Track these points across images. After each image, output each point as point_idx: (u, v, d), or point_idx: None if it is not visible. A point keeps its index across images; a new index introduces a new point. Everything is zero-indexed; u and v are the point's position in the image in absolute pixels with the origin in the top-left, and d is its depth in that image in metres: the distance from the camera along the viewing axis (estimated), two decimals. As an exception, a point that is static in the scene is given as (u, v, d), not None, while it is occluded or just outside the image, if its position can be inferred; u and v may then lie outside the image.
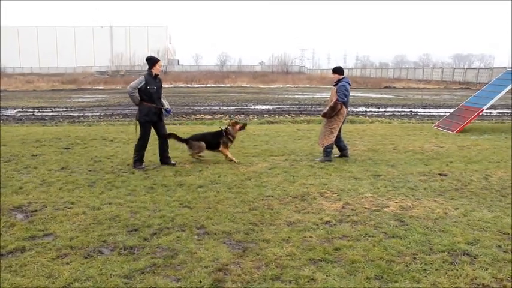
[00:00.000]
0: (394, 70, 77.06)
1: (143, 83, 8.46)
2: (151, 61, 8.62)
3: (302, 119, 17.65)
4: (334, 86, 9.37)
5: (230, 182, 7.54)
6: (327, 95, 33.41)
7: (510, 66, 55.88)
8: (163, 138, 8.96)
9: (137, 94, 8.47)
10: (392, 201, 6.51)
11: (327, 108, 9.36)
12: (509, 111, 22.29)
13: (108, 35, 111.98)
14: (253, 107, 23.56)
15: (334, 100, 9.24)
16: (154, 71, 8.60)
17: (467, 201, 6.61)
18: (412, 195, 6.84)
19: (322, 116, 9.67)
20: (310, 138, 12.27)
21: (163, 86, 9.06)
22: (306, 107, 24.00)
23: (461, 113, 14.87)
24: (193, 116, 18.99)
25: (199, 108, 22.89)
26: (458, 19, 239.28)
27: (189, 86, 50.19)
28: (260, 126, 15.30)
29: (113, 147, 10.92)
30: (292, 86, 50.37)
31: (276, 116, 18.71)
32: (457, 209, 6.20)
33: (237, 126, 9.40)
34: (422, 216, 5.88)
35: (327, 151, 9.36)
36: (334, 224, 5.58)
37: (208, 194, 6.86)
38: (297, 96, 32.66)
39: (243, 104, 25.78)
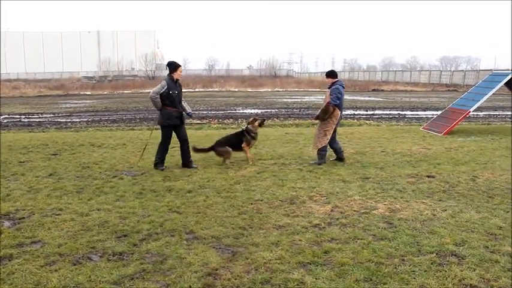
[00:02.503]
0: (382, 73, 77.64)
1: (165, 88, 8.65)
2: (173, 66, 8.82)
3: (291, 122, 17.70)
4: (329, 89, 9.41)
5: (219, 187, 7.54)
6: (316, 99, 33.61)
7: (496, 68, 56.41)
8: (184, 141, 9.13)
9: (159, 99, 8.64)
10: (381, 204, 6.56)
11: (319, 110, 9.43)
12: (496, 113, 22.54)
13: (95, 39, 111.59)
14: (241, 111, 23.56)
15: (326, 102, 9.29)
16: (176, 76, 8.82)
17: (455, 202, 6.67)
18: (401, 197, 6.89)
19: (315, 119, 9.75)
20: (298, 142, 12.32)
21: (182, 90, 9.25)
22: (294, 110, 24.05)
23: (448, 115, 15.01)
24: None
25: (187, 112, 22.80)
26: (445, 21, 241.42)
27: (178, 90, 49.91)
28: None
29: (100, 153, 10.87)
30: (280, 89, 50.46)
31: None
32: (445, 210, 6.26)
33: (256, 123, 9.71)
34: (410, 218, 5.93)
35: (321, 154, 9.40)
36: (323, 227, 5.60)
37: (197, 198, 6.85)
38: (285, 100, 32.75)
39: (232, 108, 25.78)
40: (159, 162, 9.00)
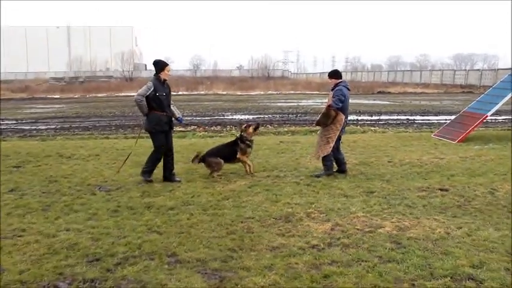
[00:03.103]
0: (388, 73, 78.21)
1: (152, 90, 8.65)
2: (159, 65, 8.82)
3: (286, 129, 17.73)
4: (332, 91, 9.43)
5: (205, 203, 7.52)
6: (314, 103, 33.74)
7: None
8: (169, 150, 9.15)
9: (145, 102, 8.65)
10: (388, 221, 6.56)
11: (320, 115, 9.44)
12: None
13: (65, 36, 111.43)
14: (230, 117, 23.59)
15: (326, 105, 9.31)
16: (163, 76, 8.83)
17: (471, 219, 6.69)
18: (410, 214, 6.90)
19: (316, 125, 9.78)
20: (294, 152, 12.33)
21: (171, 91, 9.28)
22: (290, 116, 24.12)
23: (463, 120, 15.08)
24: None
25: (169, 118, 22.78)
26: (458, 15, 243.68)
27: (158, 93, 49.92)
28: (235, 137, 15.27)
29: (70, 165, 10.82)
30: (274, 92, 50.61)
31: (253, 123, 18.72)
32: (460, 228, 6.27)
33: (250, 129, 9.76)
34: (421, 237, 5.93)
35: (327, 164, 9.40)
36: (323, 248, 5.59)
37: (180, 216, 6.82)
38: (279, 104, 32.83)
39: (220, 113, 25.82)
40: (148, 171, 8.99)
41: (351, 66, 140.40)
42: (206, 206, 7.37)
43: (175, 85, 54.52)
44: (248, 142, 9.67)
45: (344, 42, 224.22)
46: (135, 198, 7.87)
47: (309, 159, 11.00)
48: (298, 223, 6.53)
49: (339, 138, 9.45)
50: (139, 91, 8.73)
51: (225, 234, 6.10)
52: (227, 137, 14.80)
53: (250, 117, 23.58)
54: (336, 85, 9.38)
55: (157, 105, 8.73)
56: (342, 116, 9.25)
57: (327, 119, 9.29)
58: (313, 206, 7.32)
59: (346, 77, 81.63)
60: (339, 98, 9.15)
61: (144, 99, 8.64)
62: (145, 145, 10.82)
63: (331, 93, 9.42)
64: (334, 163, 9.52)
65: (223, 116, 24.52)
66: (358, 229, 6.25)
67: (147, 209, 7.25)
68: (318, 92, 49.53)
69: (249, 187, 8.54)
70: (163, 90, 8.81)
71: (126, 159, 9.85)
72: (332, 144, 9.28)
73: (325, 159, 9.37)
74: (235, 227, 6.38)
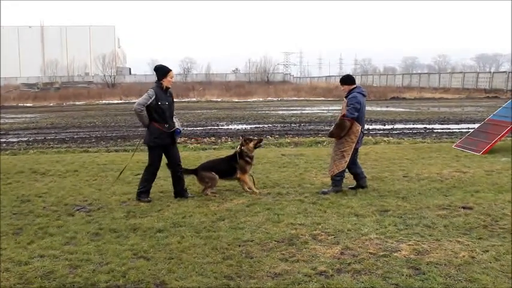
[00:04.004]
0: (403, 76, 78.44)
1: (153, 98, 8.71)
2: (162, 71, 8.90)
3: (288, 141, 17.74)
4: (346, 98, 9.43)
5: (198, 224, 7.51)
6: (320, 110, 33.82)
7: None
8: (177, 165, 9.26)
9: (146, 113, 8.72)
10: (404, 244, 6.55)
11: (333, 126, 9.45)
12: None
13: (38, 37, 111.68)
14: (226, 127, 23.63)
15: (340, 115, 9.32)
16: (165, 83, 8.89)
17: (499, 240, 6.68)
18: (429, 235, 6.89)
19: (329, 137, 9.78)
20: (298, 166, 12.33)
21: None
22: (292, 125, 24.15)
23: (488, 129, 15.08)
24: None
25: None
26: (481, 12, 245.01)
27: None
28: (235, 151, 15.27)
29: (45, 182, 10.81)
30: (274, 99, 50.73)
31: (255, 138, 18.75)
32: (487, 251, 6.26)
33: (251, 144, 9.80)
34: (442, 261, 5.92)
35: (336, 179, 9.41)
36: (331, 275, 5.59)
37: (170, 240, 6.81)
38: (281, 112, 32.89)
39: (213, 123, 25.85)
40: (144, 191, 9.03)
41: (361, 69, 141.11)
42: (199, 227, 7.36)
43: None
44: (248, 158, 9.69)
45: (353, 42, 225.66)
46: (119, 219, 7.86)
47: (314, 174, 11.01)
48: (303, 246, 6.51)
49: (355, 151, 9.45)
50: (139, 100, 8.78)
51: (221, 259, 6.08)
52: (221, 150, 14.89)
53: (248, 127, 23.61)
54: (350, 91, 9.39)
55: (158, 116, 8.79)
56: (357, 127, 9.24)
57: (341, 131, 9.28)
58: (319, 226, 7.32)
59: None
60: (354, 106, 9.14)
61: (145, 109, 8.69)
62: (133, 159, 10.81)
63: (345, 100, 9.43)
64: (344, 179, 9.54)
65: (218, 125, 24.54)
66: (371, 253, 6.24)
67: (133, 231, 7.23)
68: (323, 98, 49.68)
69: (248, 206, 8.54)
70: (165, 99, 8.86)
71: (120, 174, 9.84)
72: (348, 159, 9.27)
73: (336, 175, 9.38)
74: (232, 251, 6.36)
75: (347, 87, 9.47)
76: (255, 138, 10.05)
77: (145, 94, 8.80)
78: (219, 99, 50.64)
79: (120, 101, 48.05)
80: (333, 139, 9.85)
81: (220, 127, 23.82)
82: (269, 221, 7.66)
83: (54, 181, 10.90)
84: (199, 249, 6.45)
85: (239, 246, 6.55)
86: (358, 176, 9.63)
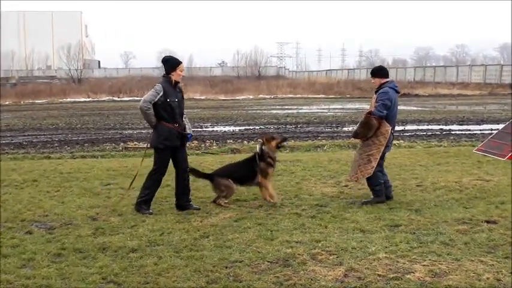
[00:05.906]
0: (415, 70, 78.85)
1: (161, 95, 8.74)
2: (170, 63, 8.99)
3: (283, 144, 17.69)
4: (376, 94, 9.41)
5: (178, 242, 7.48)
6: (320, 110, 33.86)
7: None
8: (184, 171, 9.28)
9: (153, 111, 8.75)
10: (419, 264, 6.54)
11: (358, 124, 9.44)
12: None
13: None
14: (211, 129, 23.67)
15: (367, 112, 9.30)
16: (175, 77, 8.95)
17: (527, 260, 6.68)
18: (447, 254, 6.88)
19: (354, 137, 9.79)
20: (294, 174, 12.34)
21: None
22: (288, 127, 24.22)
23: (513, 131, 15.13)
24: (121, 143, 18.89)
25: (130, 132, 22.89)
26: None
27: (116, 99, 50.16)
28: (222, 157, 15.29)
29: (-1, 194, 10.75)
30: (267, 96, 50.85)
31: (245, 142, 18.79)
32: (514, 272, 6.26)
33: (273, 143, 9.80)
34: (463, 285, 5.91)
35: (376, 189, 9.41)
36: (334, 301, 5.57)
37: (145, 261, 6.77)
38: (274, 112, 32.99)
39: (197, 124, 25.82)
40: (146, 200, 9.07)
41: (367, 61, 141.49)
42: (179, 246, 7.32)
43: (137, 88, 54.76)
44: (270, 160, 9.70)
45: (357, 31, 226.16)
46: (86, 237, 7.81)
47: (313, 184, 11.00)
48: (301, 268, 6.49)
49: (382, 155, 9.42)
50: (146, 97, 8.82)
51: (205, 283, 6.05)
52: (204, 156, 14.86)
53: (236, 128, 23.64)
54: (381, 86, 9.38)
55: (167, 115, 8.83)
56: (387, 127, 9.19)
57: (367, 130, 9.24)
58: (319, 244, 7.30)
59: (360, 75, 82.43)
60: (384, 103, 9.10)
61: (151, 106, 8.71)
62: (102, 166, 10.77)
63: (375, 96, 9.41)
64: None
65: (202, 127, 24.58)
66: (379, 275, 6.23)
67: (101, 251, 7.18)
68: (323, 96, 49.80)
69: (236, 221, 8.52)
70: (175, 95, 8.90)
71: (132, 181, 9.71)
72: (375, 164, 9.23)
73: (372, 182, 9.39)
74: (217, 273, 6.33)
75: (378, 81, 9.46)
76: (278, 136, 9.99)
77: (152, 90, 8.83)
78: (203, 97, 50.73)
79: (87, 99, 48.12)
80: (357, 140, 9.85)
81: (204, 129, 23.84)
82: (261, 238, 7.63)
83: (9, 193, 10.83)
84: (180, 271, 6.41)
85: (226, 267, 6.52)
86: (384, 185, 9.62)
